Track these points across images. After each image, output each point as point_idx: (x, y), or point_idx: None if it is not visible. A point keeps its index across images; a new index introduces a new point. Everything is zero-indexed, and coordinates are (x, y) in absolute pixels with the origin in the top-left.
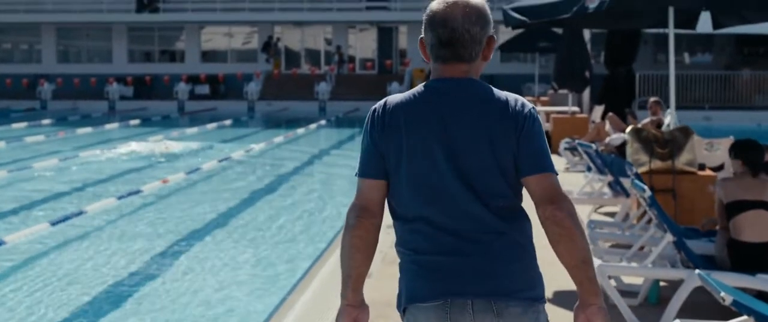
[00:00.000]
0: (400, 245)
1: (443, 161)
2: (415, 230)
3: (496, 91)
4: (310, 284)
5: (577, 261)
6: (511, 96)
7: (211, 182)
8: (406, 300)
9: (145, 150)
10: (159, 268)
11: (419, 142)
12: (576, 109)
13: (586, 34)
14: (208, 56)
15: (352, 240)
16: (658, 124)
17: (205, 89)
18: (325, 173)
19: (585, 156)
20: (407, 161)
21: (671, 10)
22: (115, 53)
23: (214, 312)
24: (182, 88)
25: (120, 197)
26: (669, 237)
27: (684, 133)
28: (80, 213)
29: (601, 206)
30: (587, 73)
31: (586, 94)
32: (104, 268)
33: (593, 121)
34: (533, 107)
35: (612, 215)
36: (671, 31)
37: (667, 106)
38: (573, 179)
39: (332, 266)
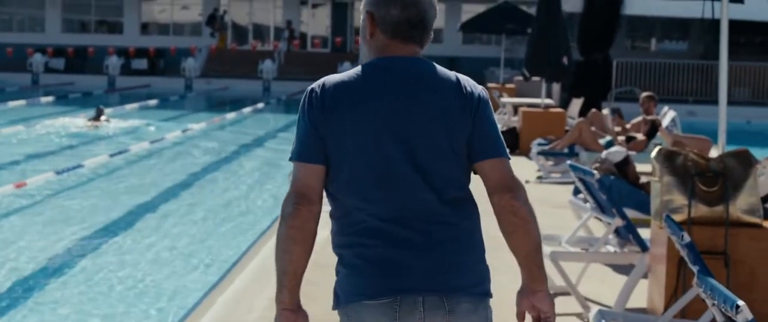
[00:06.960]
0: (341, 237)
1: (394, 144)
2: (359, 221)
3: (443, 69)
4: (234, 279)
5: (530, 250)
6: (460, 76)
7: (115, 176)
8: (349, 297)
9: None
10: (67, 264)
11: (366, 124)
12: (550, 101)
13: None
14: (149, 28)
15: (288, 231)
16: (653, 126)
17: (142, 64)
18: (254, 163)
19: (581, 185)
20: (352, 144)
21: None
22: (47, 22)
23: (133, 307)
24: (113, 62)
25: None
26: None
27: (742, 162)
28: None
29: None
30: (565, 59)
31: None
32: None
33: (572, 118)
34: (483, 89)
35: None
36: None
37: (714, 102)
38: (548, 192)
39: (259, 262)
